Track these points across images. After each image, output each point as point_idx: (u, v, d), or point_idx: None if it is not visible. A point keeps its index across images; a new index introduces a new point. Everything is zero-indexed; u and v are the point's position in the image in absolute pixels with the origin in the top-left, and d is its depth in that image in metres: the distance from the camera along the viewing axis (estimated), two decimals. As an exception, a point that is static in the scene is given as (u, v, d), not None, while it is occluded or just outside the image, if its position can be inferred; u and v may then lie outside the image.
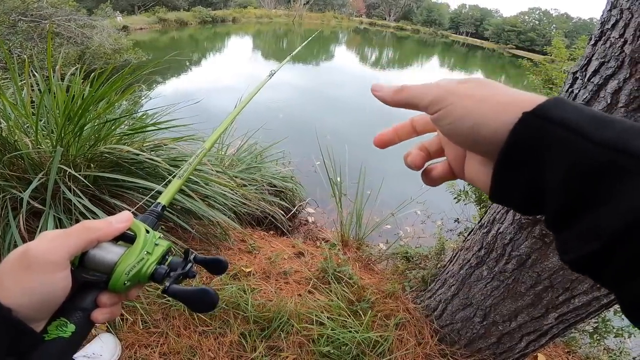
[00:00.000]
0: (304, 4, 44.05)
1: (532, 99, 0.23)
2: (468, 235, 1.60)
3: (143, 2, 24.65)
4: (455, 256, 1.62)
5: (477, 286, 1.37)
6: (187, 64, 13.02)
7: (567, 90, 1.04)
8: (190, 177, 1.51)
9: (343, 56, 21.47)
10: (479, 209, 2.47)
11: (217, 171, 1.73)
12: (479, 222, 1.50)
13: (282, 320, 1.53)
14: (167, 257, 0.37)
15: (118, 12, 19.35)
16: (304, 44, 1.25)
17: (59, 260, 0.29)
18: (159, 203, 0.43)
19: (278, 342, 1.46)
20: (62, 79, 1.74)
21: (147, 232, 0.36)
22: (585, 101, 0.95)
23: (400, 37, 39.66)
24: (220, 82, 10.58)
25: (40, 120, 1.56)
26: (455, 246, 2.30)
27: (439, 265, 2.00)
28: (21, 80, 1.96)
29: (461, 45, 43.04)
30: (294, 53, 1.11)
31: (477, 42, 47.23)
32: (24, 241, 1.21)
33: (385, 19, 53.83)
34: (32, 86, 1.64)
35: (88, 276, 0.32)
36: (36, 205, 1.23)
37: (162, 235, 0.38)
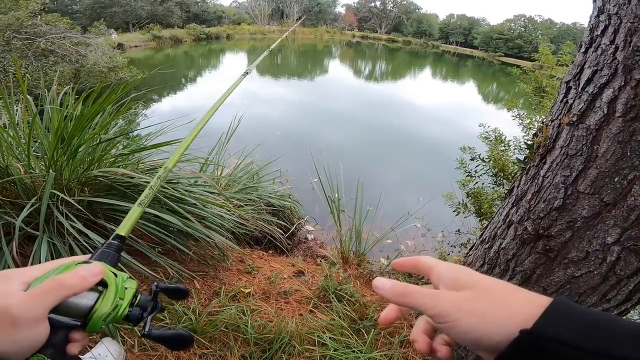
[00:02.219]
0: (297, 19, 44.98)
1: (530, 313, 0.26)
2: (470, 250, 1.59)
3: (137, 20, 25.01)
4: None
5: None
6: (183, 80, 13.13)
7: (562, 100, 1.03)
8: (187, 198, 1.49)
9: (337, 70, 21.80)
10: (479, 220, 2.46)
11: (213, 193, 1.70)
12: (480, 237, 1.49)
13: (283, 342, 1.48)
14: (136, 297, 0.39)
15: (113, 29, 19.59)
16: (279, 40, 1.26)
17: (40, 316, 0.33)
18: (117, 235, 0.44)
19: (280, 364, 1.42)
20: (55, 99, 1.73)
21: (115, 275, 0.38)
22: (580, 112, 0.93)
23: (392, 49, 40.48)
24: (216, 98, 10.63)
25: (35, 142, 1.54)
26: (458, 260, 2.28)
27: None
28: (16, 101, 1.95)
29: (452, 55, 43.96)
30: (271, 47, 1.11)
31: (467, 51, 48.13)
32: (17, 267, 1.17)
33: (377, 32, 55.04)
34: (27, 108, 1.62)
35: (63, 322, 0.34)
36: (29, 230, 1.20)
37: (128, 275, 0.39)
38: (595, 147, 0.90)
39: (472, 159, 2.45)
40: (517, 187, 1.20)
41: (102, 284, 0.37)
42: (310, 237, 2.97)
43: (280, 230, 2.43)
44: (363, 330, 1.65)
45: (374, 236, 2.86)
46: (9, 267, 1.16)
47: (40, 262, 1.16)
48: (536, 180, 1.08)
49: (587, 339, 0.24)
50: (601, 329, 0.24)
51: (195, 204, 1.50)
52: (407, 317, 1.83)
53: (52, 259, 1.22)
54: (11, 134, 1.34)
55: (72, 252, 1.28)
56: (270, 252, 2.43)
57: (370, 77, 19.97)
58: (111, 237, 0.43)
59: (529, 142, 1.13)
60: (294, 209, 2.87)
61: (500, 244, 1.24)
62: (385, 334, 1.67)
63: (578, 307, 0.26)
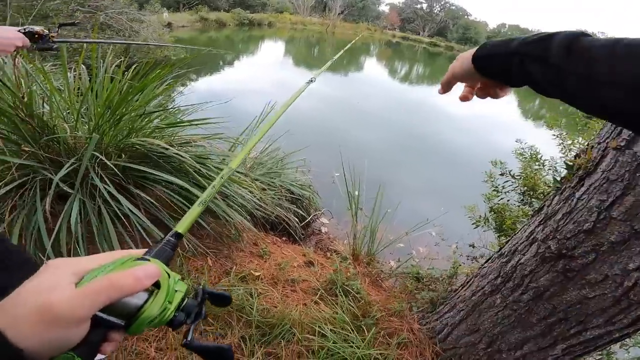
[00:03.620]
0: (339, 14, 44.59)
1: (472, 52, 0.56)
2: (485, 262, 1.58)
3: (188, 0, 25.74)
4: (468, 282, 1.61)
5: (487, 313, 1.37)
6: (221, 63, 13.44)
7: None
8: (213, 175, 1.55)
9: (373, 68, 21.50)
10: (498, 236, 2.38)
11: (240, 172, 1.75)
12: (498, 251, 1.50)
13: (284, 328, 1.52)
14: (183, 300, 0.37)
15: (165, 8, 20.30)
16: (345, 48, 1.26)
17: (85, 317, 0.30)
18: (176, 232, 0.42)
19: (277, 350, 1.45)
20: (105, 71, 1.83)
21: (169, 275, 0.36)
22: (630, 137, 0.93)
23: (432, 53, 39.33)
24: (250, 84, 10.82)
25: (84, 107, 1.65)
26: (469, 272, 2.23)
27: (449, 289, 1.96)
28: (69, 68, 2.09)
29: (495, 66, 42.02)
30: (335, 58, 1.11)
31: (513, 63, 45.96)
32: (47, 224, 1.25)
33: (419, 34, 53.59)
34: (80, 75, 1.73)
35: (108, 320, 0.32)
36: (65, 188, 1.29)
37: (180, 277, 0.38)
38: (637, 175, 0.88)
39: (501, 174, 2.36)
40: (548, 206, 1.20)
41: (155, 283, 0.35)
42: (324, 229, 2.99)
43: (297, 219, 2.46)
44: (364, 327, 1.66)
45: (387, 238, 2.84)
46: (38, 224, 1.21)
47: (69, 221, 1.24)
48: (570, 202, 1.08)
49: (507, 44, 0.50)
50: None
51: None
52: (409, 320, 1.83)
53: (81, 220, 1.30)
54: (64, 96, 1.44)
55: (100, 216, 1.36)
56: (284, 238, 2.48)
57: (406, 79, 19.55)
58: (169, 234, 0.41)
59: (569, 163, 1.12)
60: (312, 200, 2.90)
61: (519, 260, 1.25)
62: (384, 334, 1.68)
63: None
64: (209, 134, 1.82)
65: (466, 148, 8.40)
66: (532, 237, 1.21)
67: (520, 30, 50.49)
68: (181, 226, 0.43)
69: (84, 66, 1.73)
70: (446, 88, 0.64)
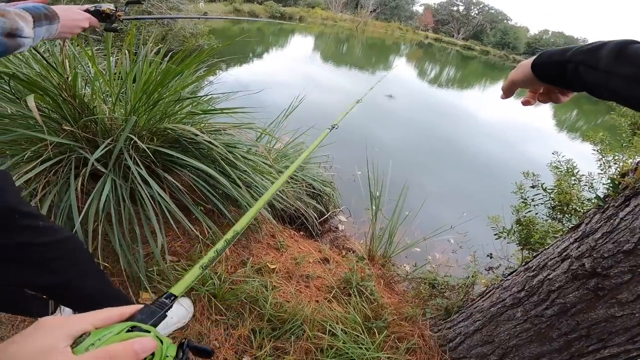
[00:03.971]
0: (371, 12, 43.95)
1: (531, 60, 0.62)
2: (509, 275, 1.56)
3: (224, -10, 26.17)
4: (488, 293, 1.60)
5: (504, 325, 1.36)
6: (251, 55, 13.62)
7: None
8: (240, 164, 1.57)
9: (401, 68, 21.08)
10: (521, 249, 2.28)
11: (265, 163, 1.77)
12: (524, 264, 1.47)
13: (295, 324, 1.52)
14: None
15: (202, -3, 20.78)
16: (351, 108, 1.25)
17: None
18: (171, 294, 0.43)
19: (286, 345, 1.45)
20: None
21: (162, 342, 0.37)
22: None
23: (465, 57, 38.06)
24: (278, 76, 10.91)
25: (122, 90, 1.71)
26: (487, 282, 2.16)
27: (465, 298, 1.91)
28: (113, 53, 2.17)
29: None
30: (352, 108, 1.11)
31: (554, 71, 43.83)
32: (79, 202, 1.29)
33: (453, 36, 51.99)
34: (122, 60, 1.80)
35: None
36: (99, 167, 1.35)
37: (170, 342, 0.39)
38: (686, 199, 0.83)
39: (532, 186, 2.26)
40: (587, 224, 1.18)
41: None
42: (341, 227, 2.98)
43: (315, 214, 2.46)
44: (375, 330, 1.64)
45: (405, 242, 2.80)
46: (70, 201, 1.25)
47: (100, 199, 1.28)
48: (612, 221, 1.05)
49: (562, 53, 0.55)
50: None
51: (246, 170, 1.57)
52: (420, 326, 1.80)
53: (112, 199, 1.33)
54: (105, 79, 1.50)
55: (132, 197, 1.40)
56: (301, 233, 2.49)
57: (435, 81, 19.04)
58: (164, 295, 0.42)
59: (615, 181, 1.10)
60: (332, 196, 2.89)
61: (548, 275, 1.23)
62: (395, 338, 1.66)
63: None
64: (239, 122, 1.85)
65: (495, 155, 8.11)
66: (565, 253, 1.19)
67: (565, 37, 48.00)
68: (177, 289, 0.44)
69: (127, 51, 1.78)
70: (508, 93, 0.69)
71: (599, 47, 0.49)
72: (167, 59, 1.76)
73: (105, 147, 1.37)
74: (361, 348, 1.49)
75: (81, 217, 1.24)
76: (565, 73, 0.55)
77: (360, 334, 1.57)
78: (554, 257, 1.24)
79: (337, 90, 10.65)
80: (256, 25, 23.75)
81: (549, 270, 1.23)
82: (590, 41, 0.55)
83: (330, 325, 1.56)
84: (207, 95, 2.14)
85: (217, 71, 9.40)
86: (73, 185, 1.28)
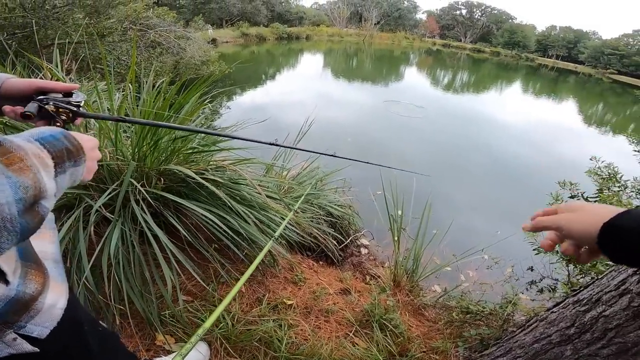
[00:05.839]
0: (375, 24, 44.46)
1: (609, 215, 0.42)
2: (554, 307, 1.38)
3: (229, 17, 27.31)
4: (530, 325, 1.43)
5: None
6: (263, 77, 13.94)
7: None
8: (246, 198, 1.49)
9: (413, 77, 20.97)
10: (566, 265, 2.04)
11: (274, 198, 1.68)
12: (573, 296, 1.30)
13: (312, 366, 1.40)
14: None
15: (209, 25, 21.72)
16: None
17: None
18: None
19: (303, 390, 1.34)
20: (153, 87, 1.88)
21: None
22: None
23: (476, 60, 37.56)
24: (292, 96, 11.05)
25: (125, 132, 1.69)
26: (529, 311, 1.94)
27: (504, 328, 1.72)
28: (120, 89, 2.18)
29: (550, 69, 39.10)
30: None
31: (570, 66, 42.67)
32: (91, 247, 1.27)
33: (461, 41, 51.60)
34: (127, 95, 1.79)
35: None
36: (106, 214, 1.30)
37: None
38: None
39: (571, 197, 2.04)
40: None
41: None
42: (364, 251, 2.83)
43: (335, 242, 2.33)
44: (401, 368, 1.49)
45: (433, 262, 2.60)
46: (80, 249, 1.22)
47: (111, 245, 1.26)
48: None
49: None
50: None
51: (254, 206, 1.48)
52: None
53: (123, 244, 1.31)
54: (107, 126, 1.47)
55: (141, 238, 1.35)
56: (321, 263, 2.36)
57: (449, 88, 18.75)
58: None
59: None
60: (352, 220, 2.76)
61: (603, 311, 1.08)
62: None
63: None
64: (246, 156, 1.78)
65: (525, 159, 7.73)
66: (623, 287, 1.04)
67: (573, 31, 46.57)
68: None
69: (136, 85, 1.77)
70: (534, 230, 0.52)
71: None
72: (163, 93, 1.72)
73: (111, 193, 1.32)
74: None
75: (91, 263, 1.21)
76: None
77: (383, 373, 1.42)
78: (610, 291, 1.08)
79: (352, 105, 10.64)
80: (265, 47, 24.49)
81: (604, 306, 1.08)
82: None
83: (350, 365, 1.42)
84: (211, 127, 2.09)
85: (234, 96, 9.64)
86: (82, 232, 1.25)
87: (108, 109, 1.70)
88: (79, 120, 0.62)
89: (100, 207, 1.28)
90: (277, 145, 0.89)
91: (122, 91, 1.82)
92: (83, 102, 0.61)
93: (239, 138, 0.93)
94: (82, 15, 5.10)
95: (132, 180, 1.28)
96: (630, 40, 39.49)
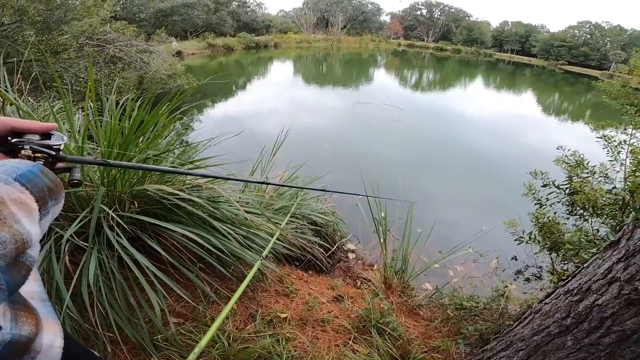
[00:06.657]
0: (342, 28, 45.21)
1: None
2: (546, 298, 1.41)
3: (194, 28, 26.72)
4: (526, 318, 1.45)
5: (555, 355, 1.23)
6: (234, 88, 13.73)
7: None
8: (226, 216, 1.43)
9: (382, 79, 21.47)
10: (549, 254, 2.12)
11: (255, 213, 1.62)
12: (563, 285, 1.32)
13: (314, 378, 1.36)
14: None
15: (173, 37, 21.11)
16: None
17: None
18: None
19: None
20: (117, 105, 1.77)
21: None
22: None
23: (440, 58, 39.08)
24: (265, 104, 10.95)
25: (96, 151, 1.58)
26: (520, 300, 2.00)
27: (500, 322, 1.75)
28: (80, 108, 2.04)
29: (507, 63, 41.30)
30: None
31: (525, 59, 45.08)
32: (68, 275, 1.18)
33: (424, 40, 53.48)
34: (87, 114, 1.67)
35: None
36: (79, 243, 1.20)
37: None
38: None
39: (544, 186, 2.14)
40: (628, 239, 1.05)
41: None
42: (352, 256, 2.81)
43: (322, 250, 2.30)
44: (404, 370, 1.47)
45: (421, 261, 2.63)
46: (56, 281, 1.14)
47: (89, 274, 1.17)
48: None
49: None
50: None
51: (235, 223, 1.43)
52: (454, 358, 1.65)
53: (101, 271, 1.23)
54: (72, 145, 1.37)
55: (120, 264, 1.27)
56: (310, 272, 2.32)
57: (417, 87, 19.35)
58: None
59: None
60: (336, 227, 2.74)
61: (595, 300, 1.10)
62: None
63: None
64: (213, 177, 1.71)
65: (493, 151, 8.06)
66: (610, 275, 1.07)
67: (524, 26, 49.52)
68: None
69: (97, 104, 1.66)
70: None
71: None
72: (129, 112, 1.63)
73: (81, 221, 1.23)
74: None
75: (70, 292, 1.13)
76: None
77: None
78: (599, 279, 1.11)
79: (326, 110, 10.70)
80: (233, 57, 24.18)
81: (596, 295, 1.10)
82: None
83: (352, 373, 1.39)
84: (184, 144, 2.01)
85: (205, 109, 9.40)
86: (56, 263, 1.16)
87: (68, 131, 1.59)
88: (59, 165, 0.56)
89: (71, 235, 1.19)
90: (279, 185, 0.85)
91: (83, 111, 1.70)
92: (63, 145, 0.55)
93: (228, 179, 0.89)
94: (32, 32, 4.80)
95: (103, 206, 1.19)
96: (576, 32, 42.41)
